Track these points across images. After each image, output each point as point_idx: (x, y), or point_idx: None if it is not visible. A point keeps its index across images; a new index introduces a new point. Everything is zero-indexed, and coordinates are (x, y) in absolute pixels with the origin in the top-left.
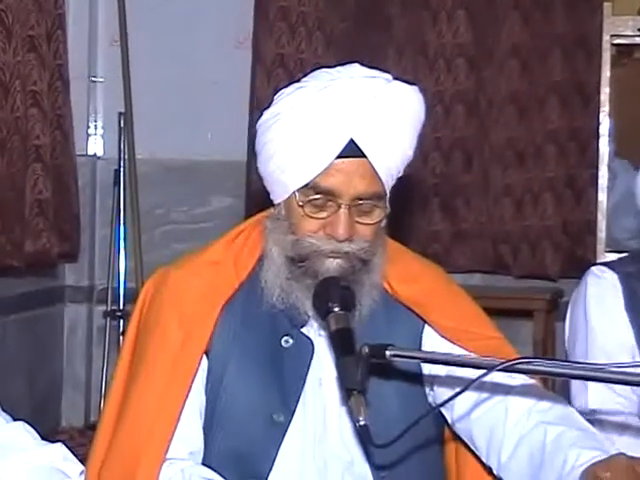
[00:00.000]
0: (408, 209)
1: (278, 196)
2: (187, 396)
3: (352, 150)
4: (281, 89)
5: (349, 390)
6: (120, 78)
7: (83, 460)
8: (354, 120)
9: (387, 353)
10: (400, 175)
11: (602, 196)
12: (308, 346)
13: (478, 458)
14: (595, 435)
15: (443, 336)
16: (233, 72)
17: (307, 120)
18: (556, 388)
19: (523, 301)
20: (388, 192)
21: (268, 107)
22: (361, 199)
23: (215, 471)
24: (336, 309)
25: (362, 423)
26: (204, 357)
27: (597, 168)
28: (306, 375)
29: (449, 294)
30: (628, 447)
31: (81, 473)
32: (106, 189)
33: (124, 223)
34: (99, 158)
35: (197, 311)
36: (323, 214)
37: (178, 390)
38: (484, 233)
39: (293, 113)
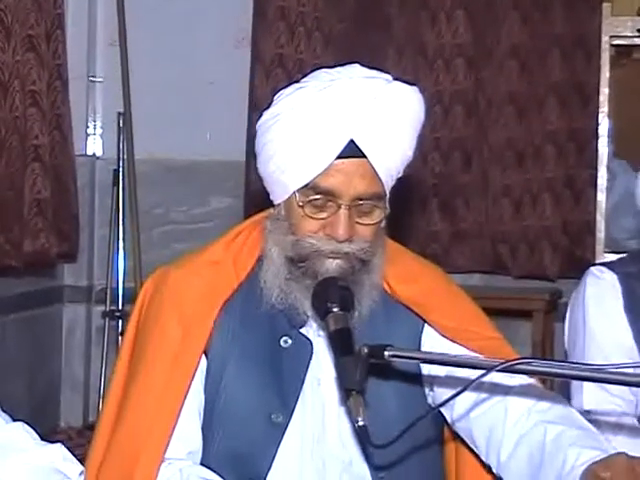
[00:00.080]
0: (407, 209)
1: (278, 196)
2: (186, 396)
3: (352, 150)
4: (280, 89)
5: (348, 390)
6: (119, 78)
7: (82, 460)
8: (354, 120)
9: (386, 353)
10: (400, 175)
11: (601, 196)
12: (307, 346)
13: (478, 458)
14: (595, 435)
15: (443, 336)
16: (232, 72)
17: (307, 120)
18: (555, 388)
19: (522, 301)
20: (388, 192)
21: (268, 107)
22: (361, 199)
23: (214, 471)
24: (335, 309)
25: (361, 423)
26: (203, 357)
27: (596, 168)
28: (305, 375)
29: (448, 294)
30: (623, 447)
31: (81, 473)
32: (105, 189)
33: (123, 223)
34: (98, 158)
35: (196, 311)
36: (323, 214)
37: (177, 390)
38: (483, 233)
39: (293, 113)
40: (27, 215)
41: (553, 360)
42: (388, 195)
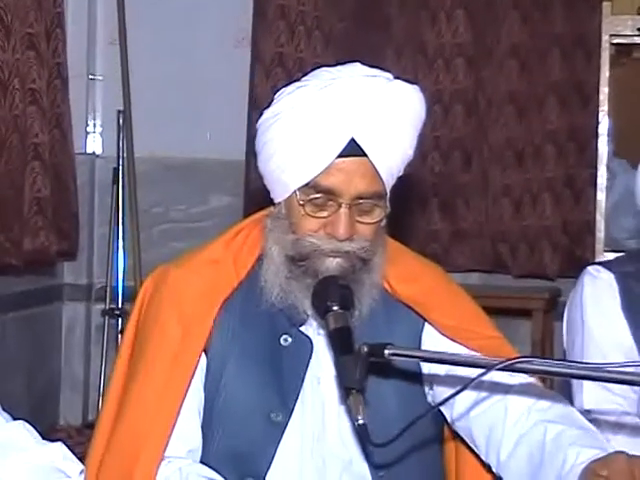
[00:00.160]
0: (407, 209)
1: (278, 195)
2: (186, 394)
3: (353, 149)
4: (281, 88)
5: (348, 389)
6: (119, 76)
7: (81, 459)
8: (355, 119)
9: (386, 352)
10: (400, 174)
11: (601, 196)
12: (307, 345)
13: (477, 457)
14: (595, 434)
15: (443, 335)
16: (232, 71)
17: (308, 119)
18: (555, 387)
19: (522, 300)
20: (388, 191)
21: (268, 106)
22: (361, 198)
23: (213, 469)
24: (335, 308)
25: (361, 422)
26: (203, 355)
27: (596, 168)
28: (305, 374)
29: (449, 293)
30: (624, 446)
31: (81, 472)
32: (105, 187)
33: (123, 221)
34: (98, 156)
35: (196, 309)
36: (324, 213)
37: (176, 388)
38: (483, 233)
39: (294, 112)
40: (27, 213)
41: (553, 359)
42: (389, 194)
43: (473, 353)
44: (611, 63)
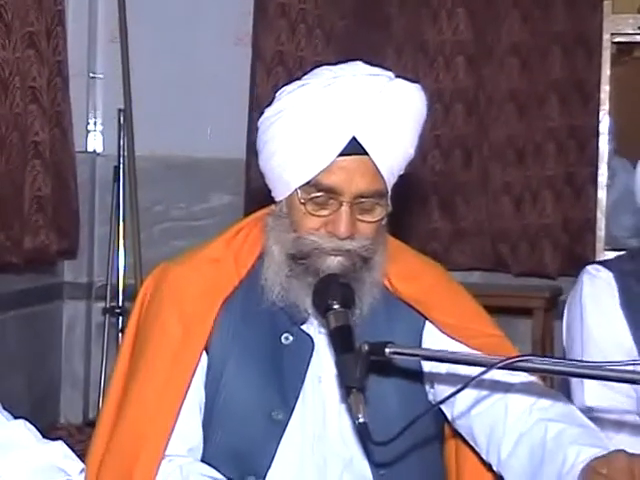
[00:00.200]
0: (407, 207)
1: (280, 193)
2: (186, 393)
3: (354, 148)
4: (281, 87)
5: (348, 388)
6: (120, 75)
7: (82, 457)
8: (356, 118)
9: (387, 350)
10: (401, 173)
11: (601, 194)
12: (308, 343)
13: (478, 455)
14: (596, 432)
15: (444, 333)
16: (233, 69)
17: (309, 118)
18: (555, 386)
19: (522, 299)
20: (390, 190)
21: (269, 105)
22: (363, 197)
23: (214, 468)
24: (336, 306)
25: (361, 420)
26: (204, 354)
27: (596, 166)
28: (306, 372)
29: (449, 292)
30: (626, 444)
31: (81, 471)
32: (105, 186)
33: (123, 220)
34: (98, 155)
35: (197, 308)
36: (325, 212)
37: (177, 387)
38: (483, 231)
39: (295, 111)
40: (27, 212)
41: (553, 358)
42: (390, 193)
43: (474, 351)
44: (612, 62)
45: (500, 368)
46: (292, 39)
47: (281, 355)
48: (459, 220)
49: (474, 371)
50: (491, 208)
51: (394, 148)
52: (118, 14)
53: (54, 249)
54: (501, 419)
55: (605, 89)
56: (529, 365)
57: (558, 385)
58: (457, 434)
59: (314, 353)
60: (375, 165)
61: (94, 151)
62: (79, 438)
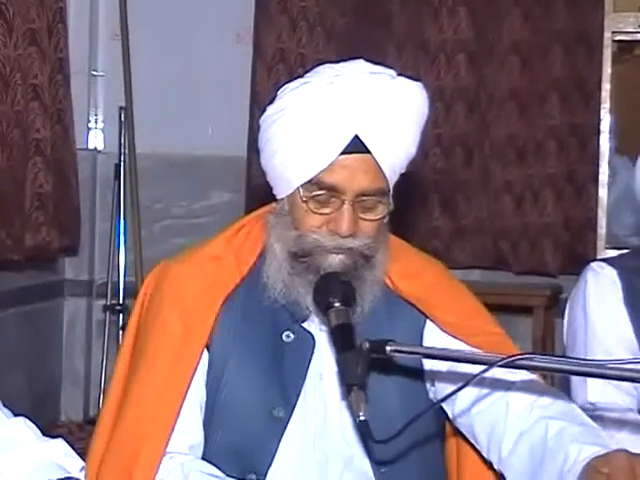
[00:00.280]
0: (408, 205)
1: (281, 191)
2: (187, 390)
3: (356, 146)
4: (282, 84)
5: (349, 385)
6: (121, 72)
7: (82, 454)
8: (359, 116)
9: (387, 348)
10: (403, 171)
11: (602, 192)
12: (309, 341)
13: (479, 453)
14: (597, 430)
15: (444, 331)
16: (233, 67)
17: (312, 116)
18: (555, 384)
19: (523, 297)
20: (391, 188)
21: (270, 103)
22: (365, 195)
23: (215, 465)
24: (337, 304)
25: (362, 418)
26: (205, 351)
27: (597, 165)
28: (307, 370)
29: (450, 290)
30: (627, 443)
31: (82, 469)
32: (106, 183)
33: (124, 217)
34: (99, 152)
35: (198, 306)
36: (327, 210)
37: (178, 384)
38: (484, 229)
39: (297, 109)
40: (28, 209)
41: (554, 356)
42: (392, 191)
43: (475, 350)
44: (613, 60)
45: (501, 366)
46: (293, 37)
47: (282, 353)
48: (460, 218)
49: (475, 369)
50: (492, 206)
51: (396, 146)
52: (119, 11)
53: (55, 246)
54: (502, 417)
55: (606, 87)
56: (530, 363)
57: (559, 383)
58: (458, 432)
59: (315, 351)
60: (377, 163)
61: (95, 148)
62: (79, 436)
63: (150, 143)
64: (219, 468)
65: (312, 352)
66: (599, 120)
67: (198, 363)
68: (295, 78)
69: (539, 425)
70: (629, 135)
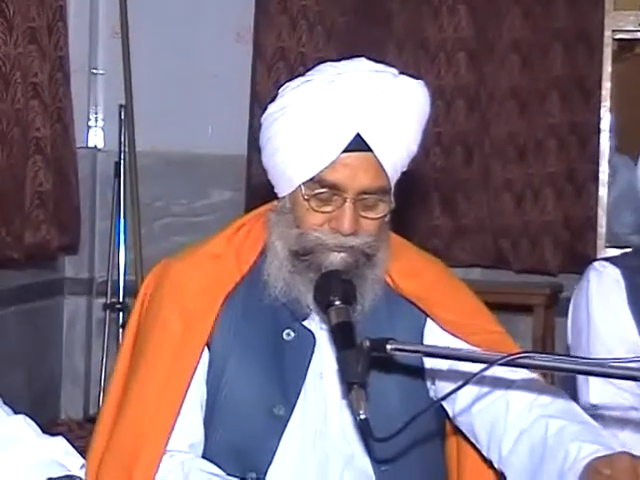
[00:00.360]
0: (408, 204)
1: (283, 190)
2: (188, 388)
3: (358, 144)
4: (282, 83)
5: (349, 384)
6: (121, 70)
7: (82, 453)
8: (361, 114)
9: (388, 347)
10: (405, 170)
11: (603, 191)
12: (310, 339)
13: (479, 452)
14: (597, 429)
15: (445, 330)
16: (233, 65)
17: (313, 114)
18: (555, 383)
19: (523, 296)
20: (393, 187)
21: (270, 101)
22: (366, 193)
23: (215, 464)
24: (337, 303)
25: (362, 417)
26: (206, 350)
27: (598, 163)
28: (307, 368)
29: (451, 288)
30: (630, 442)
31: (82, 467)
32: (106, 181)
33: (124, 216)
34: (99, 150)
35: (198, 304)
36: (328, 208)
37: (178, 382)
38: (484, 228)
39: (299, 107)
40: (28, 207)
41: (555, 354)
42: (393, 189)
43: (475, 348)
44: (613, 58)
45: (501, 365)
46: (293, 35)
47: (283, 351)
48: (460, 217)
49: (475, 368)
50: (492, 205)
51: (398, 145)
52: (119, 9)
53: (55, 244)
54: (502, 416)
55: (606, 86)
56: (530, 362)
57: (560, 382)
58: (458, 431)
59: (316, 349)
60: (379, 162)
61: (95, 147)
62: (79, 434)
63: (150, 141)
64: (219, 466)
65: (312, 351)
66: (599, 119)
67: (198, 362)
68: (295, 77)
69: (539, 424)
70: (629, 134)
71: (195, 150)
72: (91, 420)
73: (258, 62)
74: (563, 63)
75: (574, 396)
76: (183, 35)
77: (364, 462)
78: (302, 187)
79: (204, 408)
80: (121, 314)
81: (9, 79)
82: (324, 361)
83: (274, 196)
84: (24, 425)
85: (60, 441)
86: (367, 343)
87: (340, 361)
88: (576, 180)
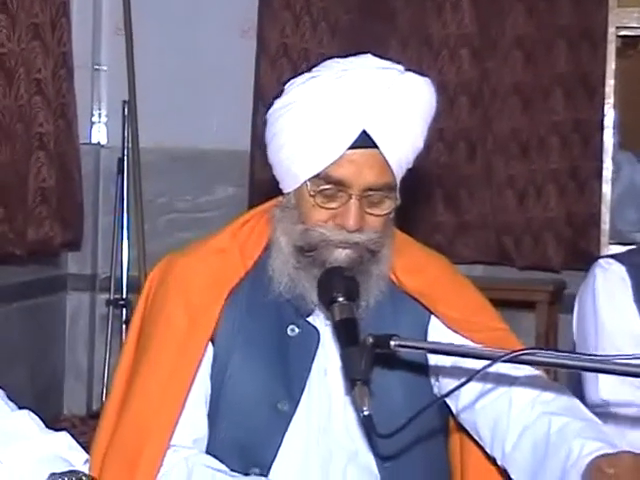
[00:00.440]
0: (411, 200)
1: (288, 185)
2: (192, 383)
3: (364, 141)
4: (287, 79)
5: (353, 380)
6: (124, 66)
7: (85, 448)
8: (367, 111)
9: (392, 343)
10: (410, 166)
11: (606, 188)
12: (314, 335)
13: (482, 449)
14: (599, 426)
15: (449, 327)
16: (237, 61)
17: (319, 110)
18: (558, 379)
19: (526, 292)
20: (398, 183)
21: (277, 97)
22: (371, 190)
23: (219, 459)
24: (340, 299)
25: (366, 413)
26: (210, 345)
27: (601, 160)
28: (311, 364)
29: (454, 285)
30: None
31: (86, 462)
32: (110, 177)
33: (127, 212)
34: (103, 146)
35: (203, 299)
36: (333, 204)
37: (182, 379)
38: (487, 224)
39: (305, 103)
40: (31, 203)
41: (558, 351)
42: (399, 186)
43: (479, 345)
44: (617, 55)
45: (505, 361)
46: (297, 32)
47: (287, 347)
48: (463, 213)
49: (479, 364)
50: (495, 201)
51: (404, 141)
52: (123, 6)
53: (58, 241)
54: (505, 412)
55: (610, 83)
56: (534, 358)
57: (566, 379)
58: (462, 428)
59: (320, 345)
60: (384, 158)
61: (98, 143)
62: (82, 430)
63: (153, 137)
64: (223, 462)
65: (317, 347)
66: (603, 115)
67: (203, 356)
68: (299, 73)
69: (542, 421)
70: (633, 130)
71: (199, 146)
72: (94, 416)
73: (262, 58)
74: (567, 60)
75: (579, 393)
76: (186, 31)
77: (368, 458)
78: (307, 183)
79: (208, 403)
80: (124, 310)
81: (12, 75)
82: (328, 357)
83: (278, 192)
84: (28, 420)
85: (64, 436)
86: (371, 339)
87: (343, 357)
88: (579, 177)
